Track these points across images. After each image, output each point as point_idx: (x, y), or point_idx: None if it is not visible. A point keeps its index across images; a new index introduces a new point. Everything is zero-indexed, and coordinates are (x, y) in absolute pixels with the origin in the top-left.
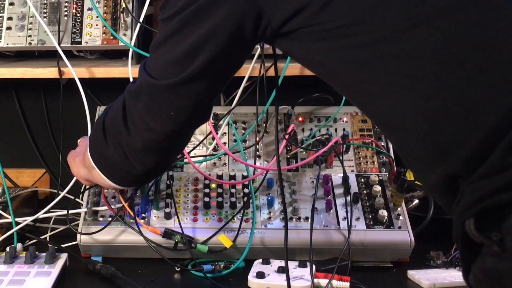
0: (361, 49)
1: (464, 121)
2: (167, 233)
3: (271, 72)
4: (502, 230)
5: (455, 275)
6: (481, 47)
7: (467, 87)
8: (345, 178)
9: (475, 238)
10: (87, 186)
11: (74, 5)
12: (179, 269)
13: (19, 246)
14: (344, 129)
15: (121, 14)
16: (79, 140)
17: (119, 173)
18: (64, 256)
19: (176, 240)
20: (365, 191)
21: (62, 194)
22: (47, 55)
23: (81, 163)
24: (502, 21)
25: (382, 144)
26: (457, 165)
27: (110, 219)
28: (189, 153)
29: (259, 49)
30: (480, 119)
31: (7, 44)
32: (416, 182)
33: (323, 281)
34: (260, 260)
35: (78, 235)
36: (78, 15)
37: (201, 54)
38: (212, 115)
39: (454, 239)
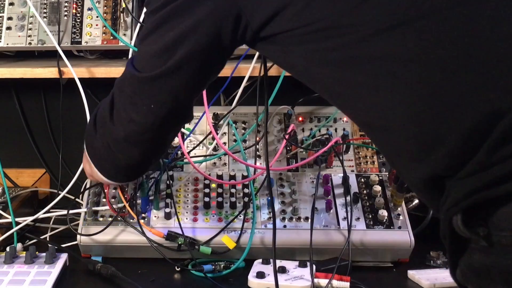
0: (343, 50)
1: (446, 119)
2: (171, 236)
3: (271, 72)
4: (488, 225)
5: None
6: (463, 46)
7: (449, 85)
8: (345, 178)
9: (462, 233)
10: (87, 186)
11: (74, 5)
12: (179, 269)
13: (19, 246)
14: (344, 129)
15: (121, 14)
16: None
17: (106, 165)
18: (64, 256)
19: (180, 242)
20: (365, 191)
21: (62, 194)
22: (47, 55)
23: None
24: (484, 22)
25: None
26: (440, 163)
27: (110, 219)
28: (189, 153)
29: None
30: (463, 116)
31: (7, 44)
32: None
33: (323, 281)
34: (260, 260)
35: (78, 235)
36: (78, 15)
37: (181, 48)
38: (212, 115)
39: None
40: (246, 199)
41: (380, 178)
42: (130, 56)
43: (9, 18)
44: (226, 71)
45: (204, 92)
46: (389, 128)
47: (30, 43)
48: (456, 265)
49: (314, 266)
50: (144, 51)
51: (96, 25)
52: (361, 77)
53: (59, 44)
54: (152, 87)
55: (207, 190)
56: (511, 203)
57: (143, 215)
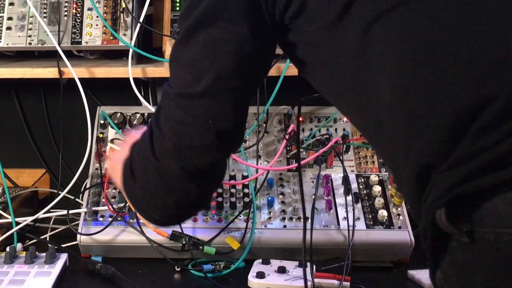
0: (347, 37)
1: (433, 103)
2: (175, 235)
3: (271, 72)
4: (472, 221)
5: None
6: (452, 28)
7: (436, 67)
8: (345, 178)
9: (445, 228)
10: (87, 186)
11: (74, 5)
12: (179, 269)
13: (19, 246)
14: (344, 129)
15: (121, 14)
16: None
17: (150, 213)
18: (64, 256)
19: (184, 242)
20: (365, 191)
21: (62, 194)
22: (47, 55)
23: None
24: (476, 2)
25: None
26: (426, 151)
27: (110, 219)
28: None
29: None
30: (449, 101)
31: (7, 44)
32: None
33: (323, 281)
34: (260, 260)
35: (78, 235)
36: (78, 15)
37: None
38: None
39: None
40: (246, 199)
41: (380, 178)
42: (130, 56)
43: (9, 18)
44: None
45: None
46: (377, 118)
47: (30, 43)
48: (436, 267)
49: (314, 266)
50: (184, 60)
51: (96, 25)
52: (357, 63)
53: (59, 44)
54: (207, 98)
55: None
56: (496, 197)
57: None
